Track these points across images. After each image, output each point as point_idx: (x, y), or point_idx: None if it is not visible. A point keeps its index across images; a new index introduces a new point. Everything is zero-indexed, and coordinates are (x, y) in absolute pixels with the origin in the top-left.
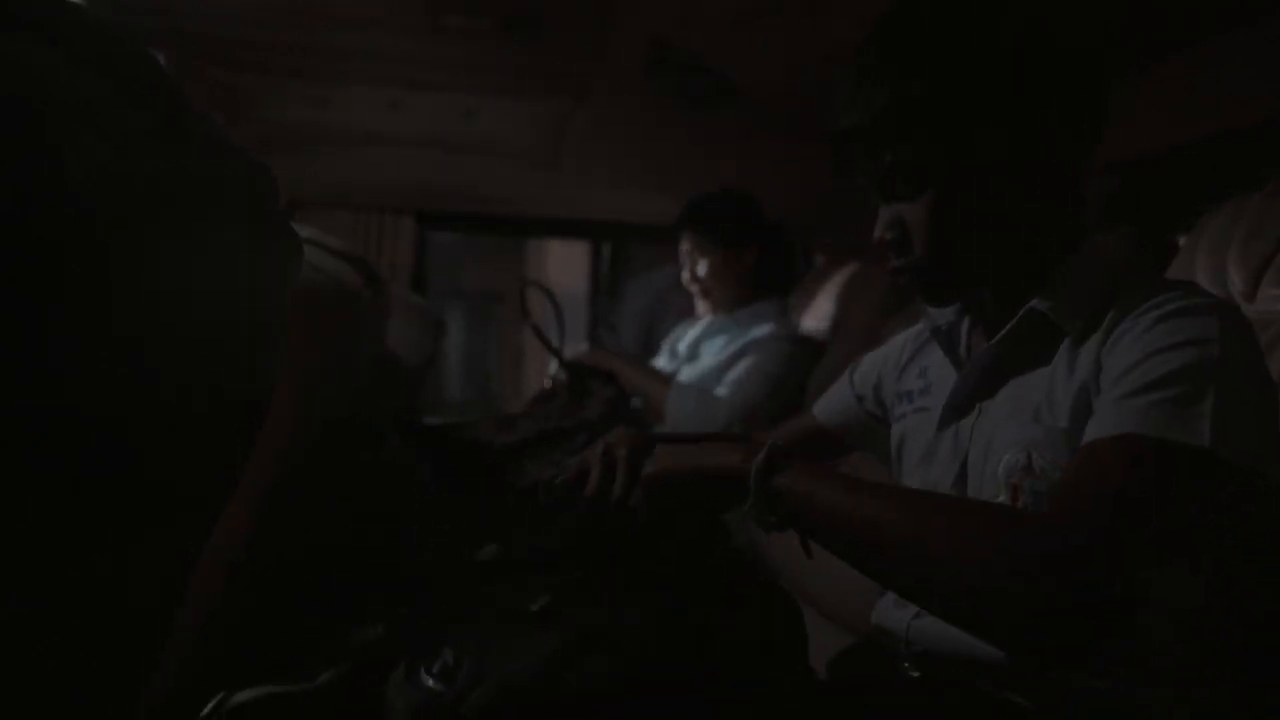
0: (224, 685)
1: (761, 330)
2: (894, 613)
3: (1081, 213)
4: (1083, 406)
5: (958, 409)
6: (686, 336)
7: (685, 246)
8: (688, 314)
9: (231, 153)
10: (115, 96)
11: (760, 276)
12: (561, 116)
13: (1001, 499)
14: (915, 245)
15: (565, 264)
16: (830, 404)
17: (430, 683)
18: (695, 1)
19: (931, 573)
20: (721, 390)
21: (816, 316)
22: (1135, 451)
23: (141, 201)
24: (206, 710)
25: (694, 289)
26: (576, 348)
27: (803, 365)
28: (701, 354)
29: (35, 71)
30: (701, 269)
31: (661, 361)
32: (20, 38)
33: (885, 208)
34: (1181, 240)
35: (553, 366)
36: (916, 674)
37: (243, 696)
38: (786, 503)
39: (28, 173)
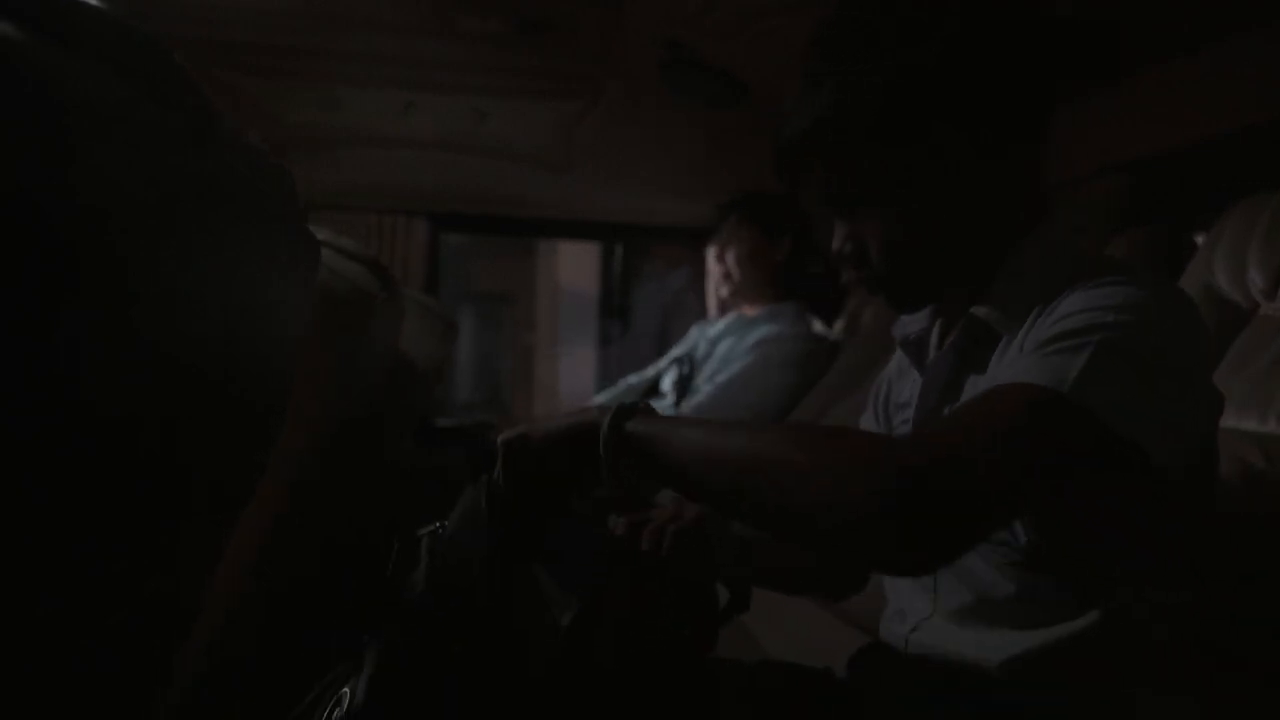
0: (239, 686)
1: (771, 329)
2: (894, 627)
3: (1034, 211)
4: None
5: (927, 414)
6: (707, 334)
7: (722, 235)
8: (700, 316)
9: (251, 155)
10: (142, 99)
11: (787, 277)
12: (573, 118)
13: None
14: (872, 258)
15: (576, 266)
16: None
17: None
18: (706, 3)
19: (792, 490)
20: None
21: (839, 324)
22: (1001, 393)
23: (162, 202)
24: None
25: (717, 271)
26: (585, 350)
27: (816, 365)
28: (717, 351)
29: (50, 73)
30: (731, 255)
31: (672, 365)
32: (40, 39)
33: (840, 221)
34: (1200, 239)
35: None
36: (916, 683)
37: None
38: (637, 445)
39: (36, 174)
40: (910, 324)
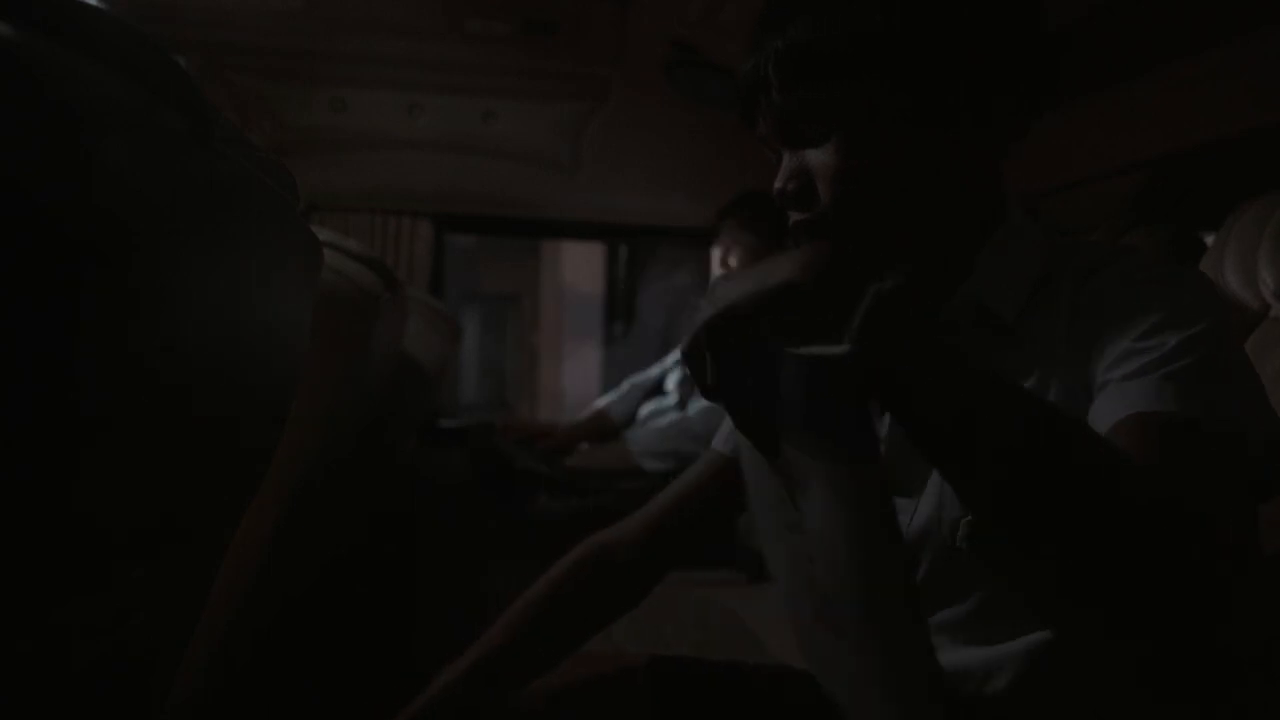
0: (241, 688)
1: None
2: None
3: (1003, 193)
4: (1067, 408)
5: None
6: None
7: (723, 238)
8: None
9: (252, 155)
10: (145, 101)
11: None
12: (579, 119)
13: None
14: (820, 194)
15: (581, 266)
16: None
17: None
18: (713, 4)
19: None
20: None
21: None
22: (1164, 434)
23: (165, 206)
24: None
25: (722, 276)
26: (589, 350)
27: None
28: None
29: (52, 73)
30: (734, 258)
31: (677, 365)
32: (49, 42)
33: (789, 156)
34: (1209, 238)
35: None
36: None
37: None
38: (913, 368)
39: (41, 175)
40: None
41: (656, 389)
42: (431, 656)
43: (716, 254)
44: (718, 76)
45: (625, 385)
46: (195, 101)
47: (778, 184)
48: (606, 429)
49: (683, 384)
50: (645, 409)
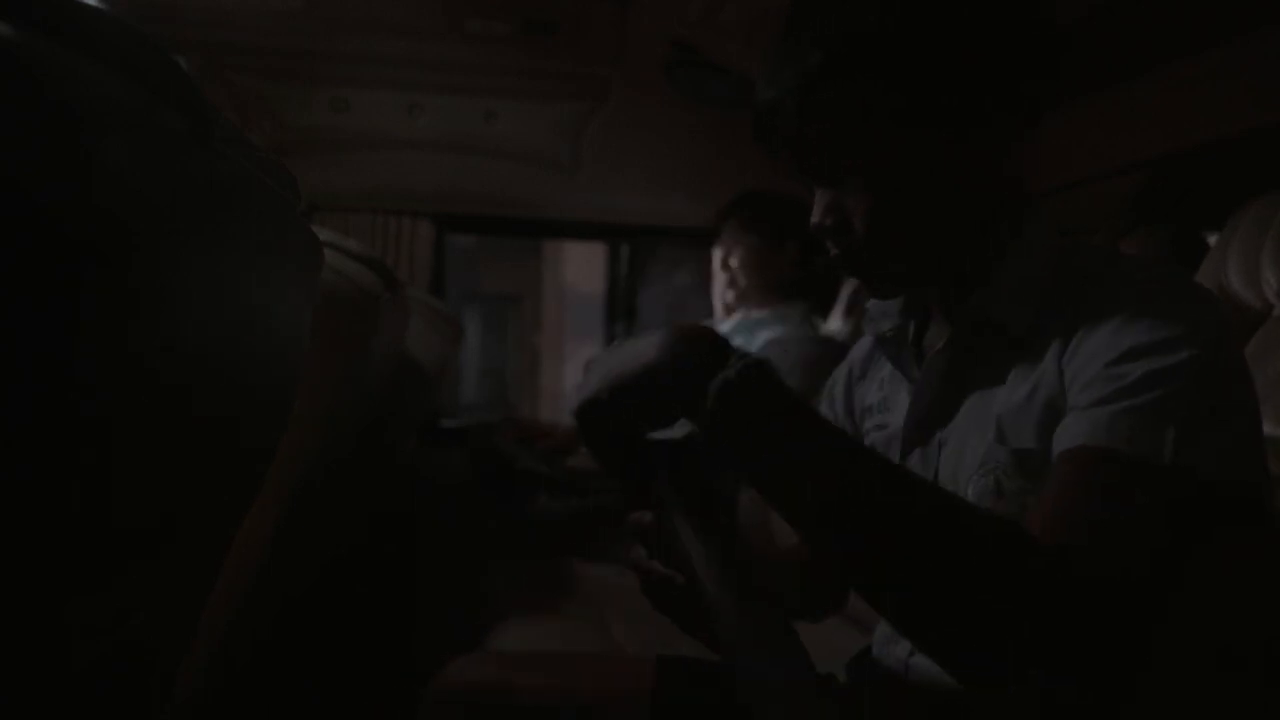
0: (241, 690)
1: (777, 331)
2: (892, 649)
3: (1022, 200)
4: (1051, 423)
5: (919, 428)
6: None
7: (725, 238)
8: (706, 316)
9: (252, 155)
10: (145, 101)
11: (794, 282)
12: (579, 119)
13: None
14: (856, 229)
15: (582, 266)
16: None
17: None
18: (713, 4)
19: (933, 596)
20: None
21: (836, 317)
22: (1102, 469)
23: (165, 206)
24: None
25: (723, 277)
26: (591, 351)
27: (824, 368)
28: None
29: (64, 76)
30: (735, 259)
31: None
32: (49, 42)
33: (822, 191)
34: (1212, 238)
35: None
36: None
37: None
38: (760, 443)
39: (53, 177)
40: (884, 320)
41: None
42: (431, 656)
43: (717, 255)
44: (718, 76)
45: None
46: (195, 101)
47: (814, 219)
48: None
49: None
50: None
